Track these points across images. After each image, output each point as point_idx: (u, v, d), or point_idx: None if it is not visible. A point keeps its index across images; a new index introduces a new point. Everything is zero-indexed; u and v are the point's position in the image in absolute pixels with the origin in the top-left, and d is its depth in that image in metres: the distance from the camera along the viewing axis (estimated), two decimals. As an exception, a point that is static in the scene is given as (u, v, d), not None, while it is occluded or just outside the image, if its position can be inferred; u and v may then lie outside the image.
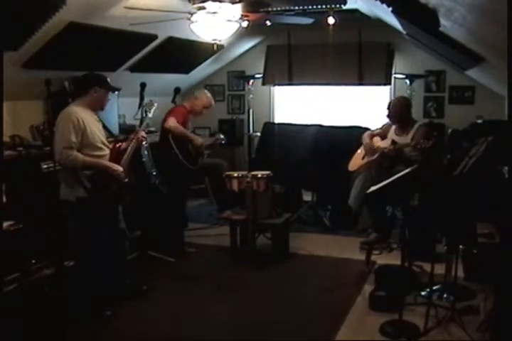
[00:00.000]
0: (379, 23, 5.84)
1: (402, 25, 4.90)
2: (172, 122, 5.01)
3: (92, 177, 3.46)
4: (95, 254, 3.63)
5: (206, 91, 5.52)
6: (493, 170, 3.83)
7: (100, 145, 3.59)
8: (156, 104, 4.00)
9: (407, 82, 5.93)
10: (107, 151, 3.64)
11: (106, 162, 3.56)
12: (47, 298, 3.86)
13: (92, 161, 3.48)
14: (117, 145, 3.72)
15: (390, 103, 4.86)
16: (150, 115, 3.93)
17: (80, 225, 3.62)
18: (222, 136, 5.58)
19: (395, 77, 6.39)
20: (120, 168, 3.56)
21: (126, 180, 3.65)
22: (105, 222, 3.64)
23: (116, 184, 3.59)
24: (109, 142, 3.79)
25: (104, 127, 3.77)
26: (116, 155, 3.65)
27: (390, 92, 6.63)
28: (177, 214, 5.16)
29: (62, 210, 3.71)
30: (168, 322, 3.59)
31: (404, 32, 5.48)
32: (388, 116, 4.86)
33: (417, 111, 6.30)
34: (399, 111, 4.76)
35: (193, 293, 4.08)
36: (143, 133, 3.78)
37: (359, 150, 5.14)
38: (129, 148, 3.71)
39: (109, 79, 3.65)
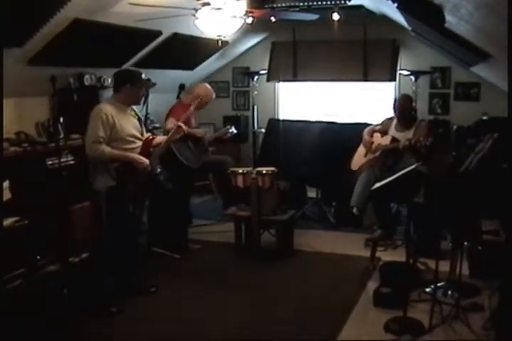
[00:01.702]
0: (384, 20, 5.82)
1: (407, 21, 4.88)
2: (172, 124, 4.96)
3: (117, 169, 3.59)
4: (117, 244, 3.72)
5: (205, 84, 5.41)
6: (498, 166, 3.81)
7: (131, 138, 3.69)
8: None
9: (412, 78, 5.90)
10: (138, 144, 3.74)
11: (132, 155, 3.65)
12: (52, 294, 3.87)
13: (119, 154, 3.60)
14: (150, 138, 3.82)
15: (395, 101, 4.85)
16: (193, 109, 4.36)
17: (108, 214, 3.74)
18: (233, 129, 5.46)
19: (400, 74, 6.36)
20: (146, 161, 3.66)
21: (158, 170, 3.79)
22: (131, 212, 3.75)
23: (141, 176, 3.67)
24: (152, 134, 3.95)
25: (140, 121, 3.85)
26: (146, 147, 3.76)
27: (395, 89, 6.60)
28: (181, 210, 5.15)
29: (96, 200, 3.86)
30: (172, 319, 3.59)
31: (410, 28, 5.46)
32: (395, 113, 4.86)
33: (422, 108, 6.27)
34: (407, 109, 4.77)
35: (197, 289, 4.08)
36: (183, 126, 3.90)
37: (360, 148, 5.13)
38: (165, 140, 3.83)
39: (143, 75, 3.71)
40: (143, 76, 3.72)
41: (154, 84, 3.84)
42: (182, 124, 3.91)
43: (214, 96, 5.33)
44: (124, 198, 3.65)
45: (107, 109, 3.61)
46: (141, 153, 3.72)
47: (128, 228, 3.74)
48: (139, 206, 3.85)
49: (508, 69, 2.56)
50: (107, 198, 3.71)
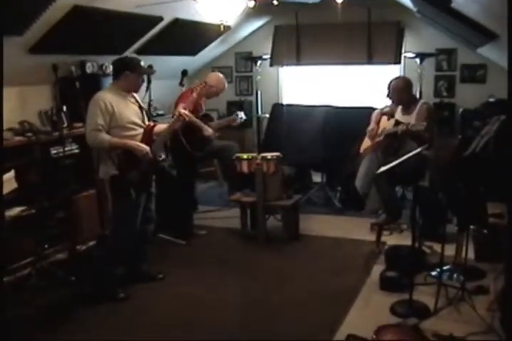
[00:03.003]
0: (389, 1, 5.74)
1: (412, 2, 4.81)
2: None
3: (119, 156, 3.59)
4: (123, 234, 3.74)
5: (218, 73, 5.41)
6: (505, 149, 3.78)
7: (131, 125, 3.67)
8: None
9: (417, 60, 5.83)
10: (138, 131, 3.72)
11: (132, 142, 3.62)
12: (60, 282, 3.91)
13: (118, 142, 3.58)
14: (151, 125, 3.80)
15: (389, 84, 4.77)
16: (194, 95, 4.09)
17: (114, 203, 3.78)
18: (242, 115, 5.38)
19: (405, 56, 6.29)
20: (146, 148, 3.64)
21: (163, 157, 3.78)
22: (136, 200, 3.71)
23: (143, 163, 3.66)
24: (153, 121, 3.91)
25: (141, 108, 3.82)
26: (148, 135, 3.74)
27: (400, 71, 6.53)
28: (186, 197, 5.15)
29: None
30: (179, 304, 3.63)
31: (415, 9, 5.39)
32: (388, 96, 4.79)
33: (427, 91, 6.23)
34: (399, 94, 4.67)
35: (203, 274, 4.11)
36: (185, 112, 3.82)
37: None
38: (168, 127, 3.78)
39: (142, 62, 3.69)
40: (142, 63, 3.69)
41: (154, 71, 3.80)
42: (184, 112, 3.84)
43: (226, 85, 5.28)
44: (127, 186, 3.63)
45: (105, 96, 3.59)
46: (142, 141, 3.69)
47: (133, 216, 3.72)
48: (144, 194, 3.82)
49: (508, 51, 2.53)
50: (110, 187, 3.72)
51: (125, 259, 3.85)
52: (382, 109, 5.06)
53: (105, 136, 3.54)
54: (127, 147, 3.61)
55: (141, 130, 3.74)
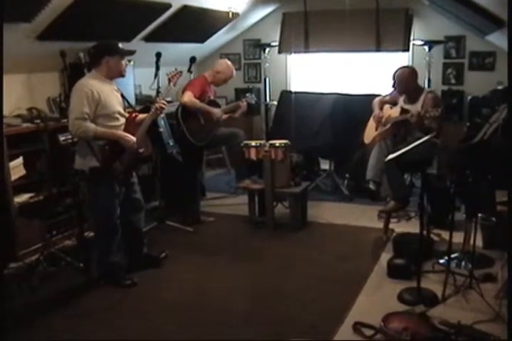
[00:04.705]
0: (397, -12, 5.68)
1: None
2: (188, 97, 4.91)
3: (103, 147, 3.44)
4: (107, 224, 3.66)
5: (226, 60, 5.39)
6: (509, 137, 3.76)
7: (116, 115, 3.56)
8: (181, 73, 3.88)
9: (426, 48, 5.79)
10: (122, 121, 3.61)
11: (118, 132, 3.51)
12: (68, 268, 3.94)
13: (104, 132, 3.44)
14: (133, 115, 3.69)
15: (394, 74, 4.72)
16: (172, 85, 3.82)
17: (92, 195, 3.67)
18: (253, 96, 5.37)
19: (414, 44, 6.24)
20: (133, 139, 3.53)
21: (142, 150, 3.61)
22: (118, 192, 3.63)
23: (128, 154, 3.55)
24: (129, 112, 3.76)
25: (122, 97, 3.70)
26: (131, 125, 3.62)
27: (409, 59, 6.50)
28: (189, 183, 5.15)
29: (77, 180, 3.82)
30: (187, 291, 3.65)
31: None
32: (394, 86, 4.75)
33: (436, 78, 6.19)
34: (405, 83, 4.62)
35: (211, 261, 4.13)
36: (162, 103, 3.66)
37: (371, 121, 5.06)
38: (147, 118, 3.66)
39: (120, 45, 3.53)
40: (120, 45, 3.53)
41: (134, 52, 3.64)
42: (162, 105, 3.65)
43: (234, 72, 5.27)
44: (110, 179, 3.52)
45: (91, 83, 3.43)
46: (125, 131, 3.56)
47: (114, 209, 3.63)
48: (125, 185, 3.70)
49: (507, 40, 2.51)
50: (90, 179, 3.58)
51: (118, 248, 3.76)
52: (383, 97, 5.02)
53: (90, 126, 3.38)
54: (115, 137, 3.47)
55: (124, 120, 3.61)
